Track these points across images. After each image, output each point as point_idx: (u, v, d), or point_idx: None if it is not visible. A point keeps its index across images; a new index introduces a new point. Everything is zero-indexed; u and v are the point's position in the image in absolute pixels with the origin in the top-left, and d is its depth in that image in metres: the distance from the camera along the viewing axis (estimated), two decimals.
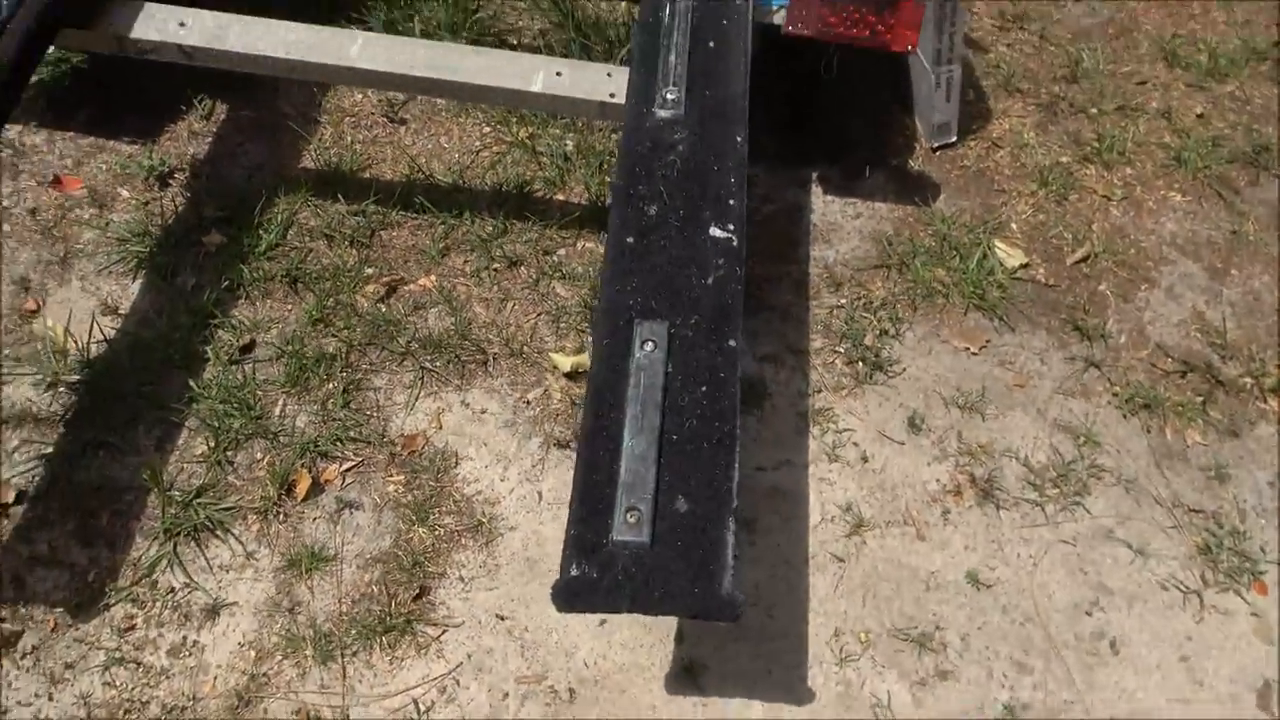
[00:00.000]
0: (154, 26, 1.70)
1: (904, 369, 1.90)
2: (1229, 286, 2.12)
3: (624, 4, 2.38)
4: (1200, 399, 1.92)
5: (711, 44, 1.57)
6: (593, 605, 1.10)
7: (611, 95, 1.69)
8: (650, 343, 1.25)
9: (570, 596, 1.10)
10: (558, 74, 1.71)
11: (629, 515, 1.13)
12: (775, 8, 1.86)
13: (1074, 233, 2.16)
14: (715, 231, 1.36)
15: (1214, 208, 2.25)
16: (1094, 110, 2.41)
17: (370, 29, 2.33)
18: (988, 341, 1.96)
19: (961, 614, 1.62)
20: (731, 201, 1.39)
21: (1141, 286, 2.10)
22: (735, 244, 1.35)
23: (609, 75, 1.72)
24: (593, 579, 1.10)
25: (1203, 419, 1.89)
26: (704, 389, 1.23)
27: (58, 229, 1.95)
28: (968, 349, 1.95)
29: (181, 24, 1.70)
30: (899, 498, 1.74)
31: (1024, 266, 2.09)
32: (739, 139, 1.46)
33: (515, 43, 2.41)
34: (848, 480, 1.74)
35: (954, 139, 2.29)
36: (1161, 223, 2.21)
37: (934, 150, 2.29)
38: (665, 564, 1.11)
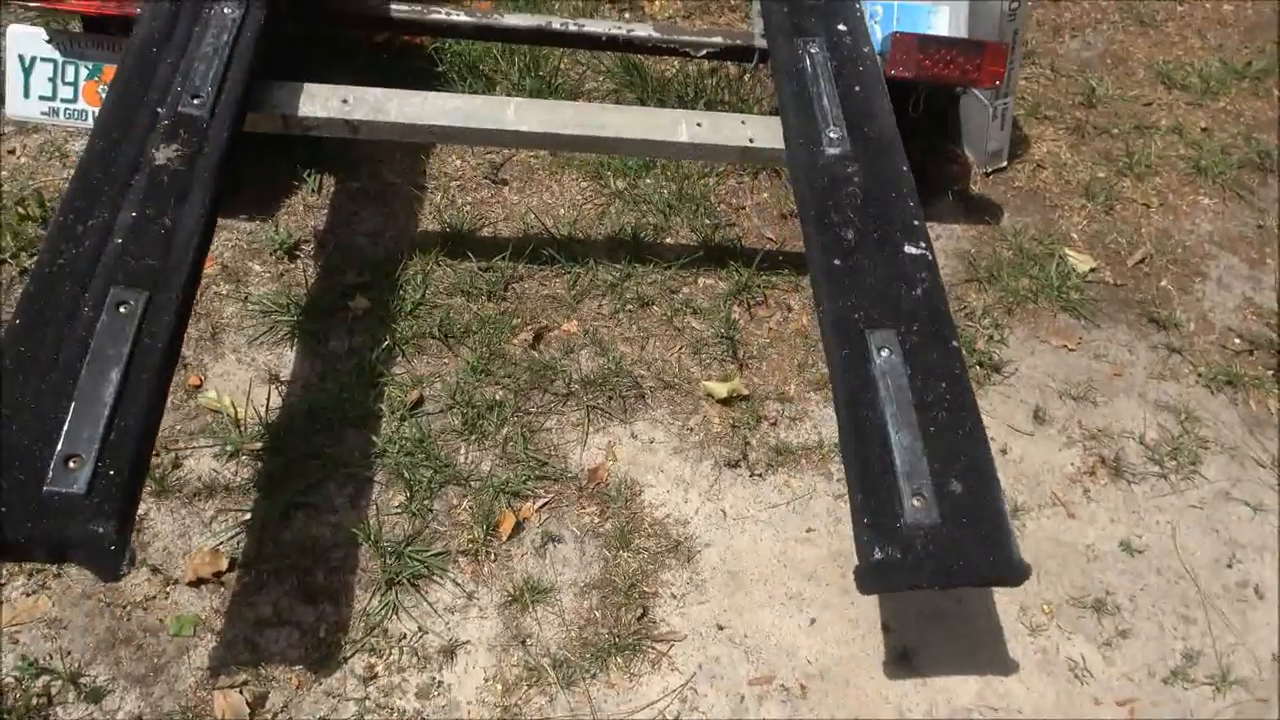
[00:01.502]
0: (319, 105, 1.79)
1: (1016, 369, 2.08)
2: (1267, 274, 2.37)
3: (691, 64, 2.55)
4: (1270, 371, 2.15)
5: (857, 88, 1.74)
6: (896, 584, 1.22)
7: (751, 140, 1.85)
8: (885, 349, 1.39)
9: (877, 577, 1.21)
10: (699, 125, 1.86)
11: (915, 500, 1.25)
12: (878, 50, 2.06)
13: (1127, 238, 2.40)
14: (910, 249, 1.52)
15: (1238, 207, 2.52)
16: (1115, 130, 2.68)
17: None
18: (1080, 338, 2.16)
19: (1124, 579, 1.78)
20: (915, 222, 1.55)
21: (1195, 280, 2.34)
22: (930, 258, 1.51)
23: (743, 123, 1.87)
24: (896, 559, 1.21)
25: (1278, 388, 2.11)
26: (943, 385, 1.37)
27: (200, 305, 1.99)
28: (1065, 346, 2.14)
29: (345, 101, 1.80)
30: (1043, 483, 1.90)
31: (1093, 270, 2.31)
32: (904, 168, 1.63)
33: (589, 102, 2.55)
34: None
35: (1005, 164, 2.52)
36: (1198, 223, 2.47)
37: (987, 175, 2.51)
38: (958, 539, 1.23)
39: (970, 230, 2.37)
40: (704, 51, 2.32)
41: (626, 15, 2.88)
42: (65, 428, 1.20)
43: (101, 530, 1.14)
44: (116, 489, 1.18)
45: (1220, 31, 3.11)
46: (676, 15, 2.91)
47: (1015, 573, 1.22)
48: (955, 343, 1.42)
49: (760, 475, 1.85)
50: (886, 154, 1.65)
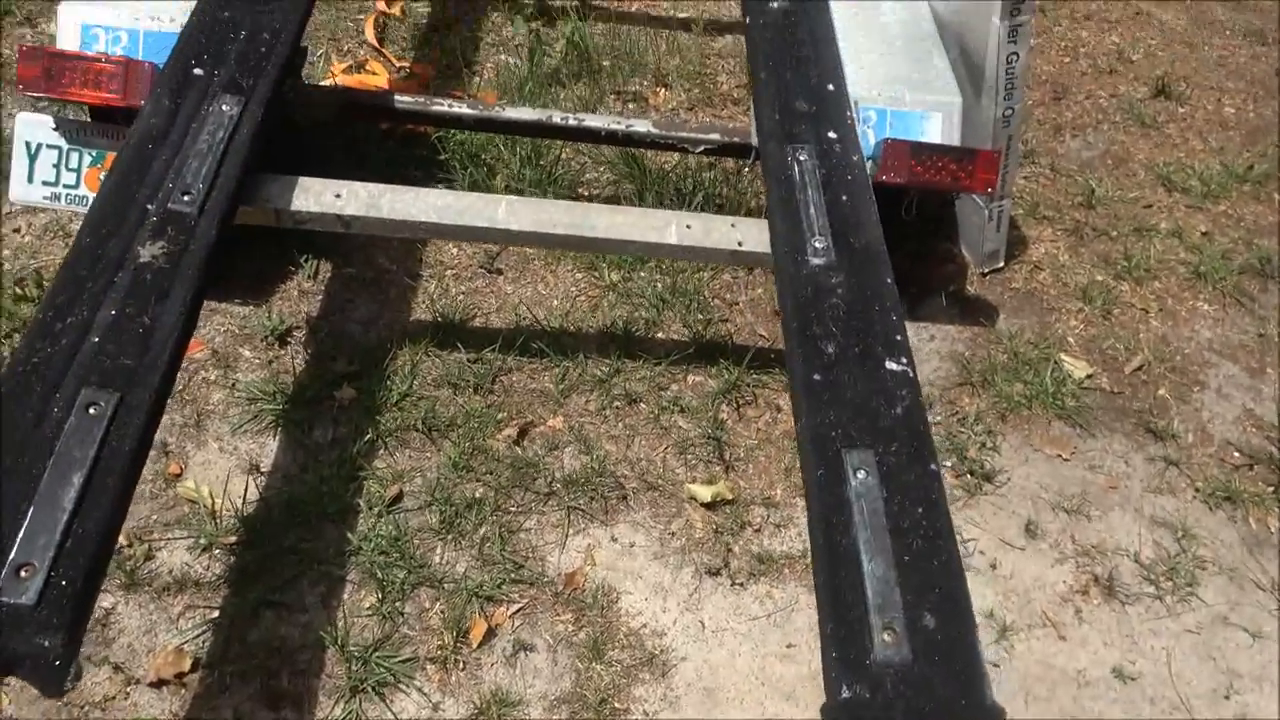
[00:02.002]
0: (311, 199, 1.81)
1: (1008, 478, 2.05)
2: (1268, 384, 2.34)
3: (690, 157, 2.57)
4: (1271, 488, 2.10)
5: (844, 197, 1.75)
6: None
7: (740, 244, 1.85)
8: (862, 470, 1.36)
9: (845, 717, 1.17)
10: (688, 226, 1.86)
11: (886, 634, 1.21)
12: (865, 160, 2.07)
13: (1125, 344, 2.37)
14: (891, 365, 1.50)
15: (1238, 314, 2.50)
16: (1114, 233, 2.68)
17: (454, 185, 2.48)
18: (1075, 448, 2.12)
19: (1116, 709, 1.71)
20: (898, 337, 1.54)
21: (1194, 389, 2.30)
22: (911, 375, 1.49)
23: (733, 226, 1.88)
24: (865, 699, 1.17)
25: (1278, 506, 2.06)
26: (920, 510, 1.33)
27: (187, 391, 2.00)
28: (1059, 455, 2.11)
29: (337, 195, 1.82)
30: (1033, 601, 1.85)
31: (1090, 377, 2.28)
32: (889, 280, 1.62)
33: (588, 194, 2.58)
34: (984, 588, 1.85)
35: (1002, 264, 2.51)
36: (1197, 330, 2.44)
37: (984, 275, 2.50)
38: (930, 679, 1.19)
39: (965, 331, 2.35)
40: (702, 148, 2.34)
41: (631, 106, 2.93)
42: (20, 534, 1.18)
43: (47, 644, 1.11)
44: (68, 600, 1.15)
45: (1221, 134, 3.13)
46: (680, 106, 2.95)
47: (988, 718, 1.17)
48: (934, 465, 1.39)
49: (742, 584, 1.81)
50: (872, 266, 1.64)
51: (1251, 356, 2.39)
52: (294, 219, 1.81)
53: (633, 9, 3.36)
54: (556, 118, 2.33)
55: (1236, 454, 2.16)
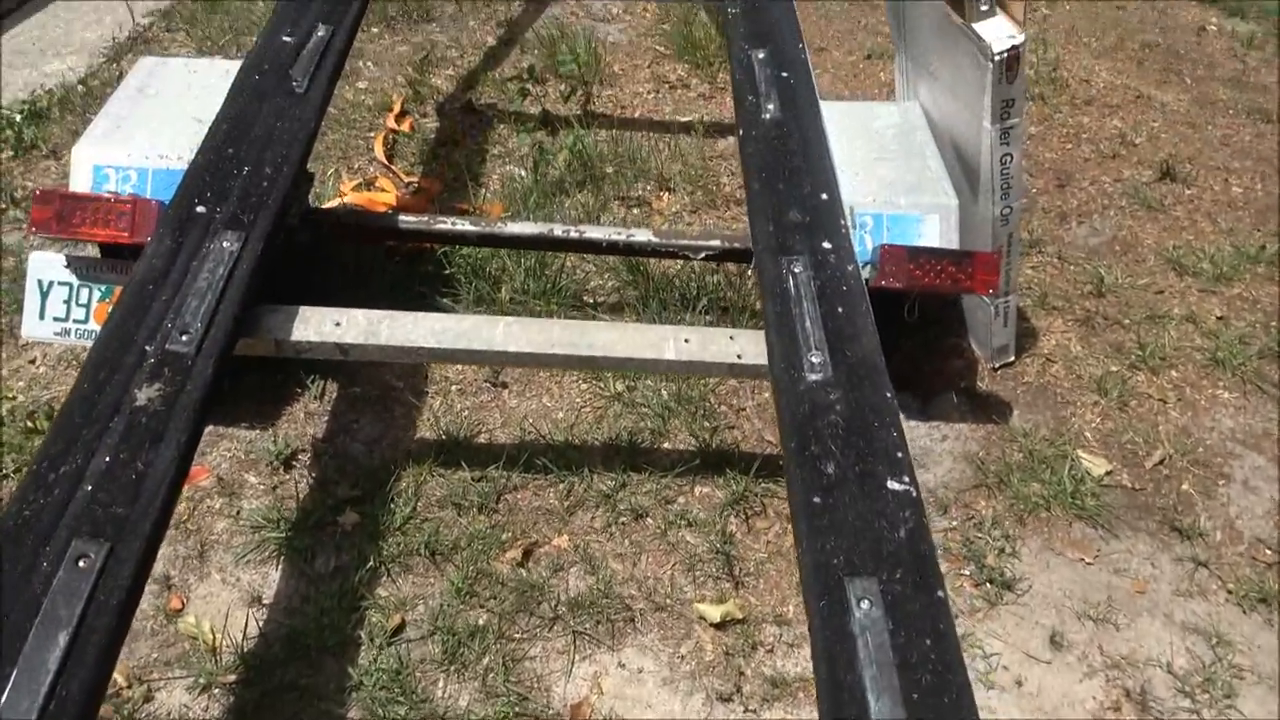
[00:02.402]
0: (311, 329, 1.82)
1: (1030, 585, 1.98)
2: None
3: (691, 264, 2.59)
4: None
5: (840, 308, 1.74)
6: None
7: (739, 356, 1.83)
8: (866, 600, 1.32)
9: None
10: (686, 341, 1.85)
11: None
12: (862, 265, 2.07)
13: (1144, 436, 2.31)
14: (893, 485, 1.46)
15: (1260, 402, 2.43)
16: (1126, 321, 2.64)
17: (460, 300, 2.50)
18: (1099, 550, 2.05)
19: None
20: (899, 454, 1.50)
21: (1219, 483, 2.23)
22: (914, 495, 1.45)
23: (731, 338, 1.87)
24: None
25: None
26: (928, 642, 1.28)
27: (191, 522, 1.99)
28: (1082, 559, 2.04)
29: (337, 324, 1.83)
30: None
31: (1109, 474, 2.22)
32: (888, 394, 1.60)
33: (592, 302, 2.59)
34: (1010, 707, 1.77)
35: (1012, 358, 2.48)
36: (1219, 420, 2.38)
37: (995, 370, 2.47)
38: None
39: (978, 430, 2.31)
40: (703, 254, 2.35)
41: (635, 211, 2.97)
42: (4, 698, 1.16)
43: None
44: None
45: (1230, 214, 3.10)
46: (684, 209, 2.99)
47: None
48: (941, 592, 1.34)
49: (754, 711, 1.74)
50: (870, 379, 1.62)
51: (1277, 446, 2.32)
52: (295, 349, 1.82)
53: (635, 115, 3.44)
54: (558, 231, 2.36)
55: (1268, 551, 2.08)
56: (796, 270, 1.81)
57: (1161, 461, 2.26)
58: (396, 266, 2.59)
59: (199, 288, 1.67)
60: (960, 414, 2.35)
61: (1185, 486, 2.21)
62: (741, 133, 2.16)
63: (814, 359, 1.65)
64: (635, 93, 3.56)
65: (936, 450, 2.25)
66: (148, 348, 1.56)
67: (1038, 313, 2.66)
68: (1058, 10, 4.31)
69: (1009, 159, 2.09)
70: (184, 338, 1.59)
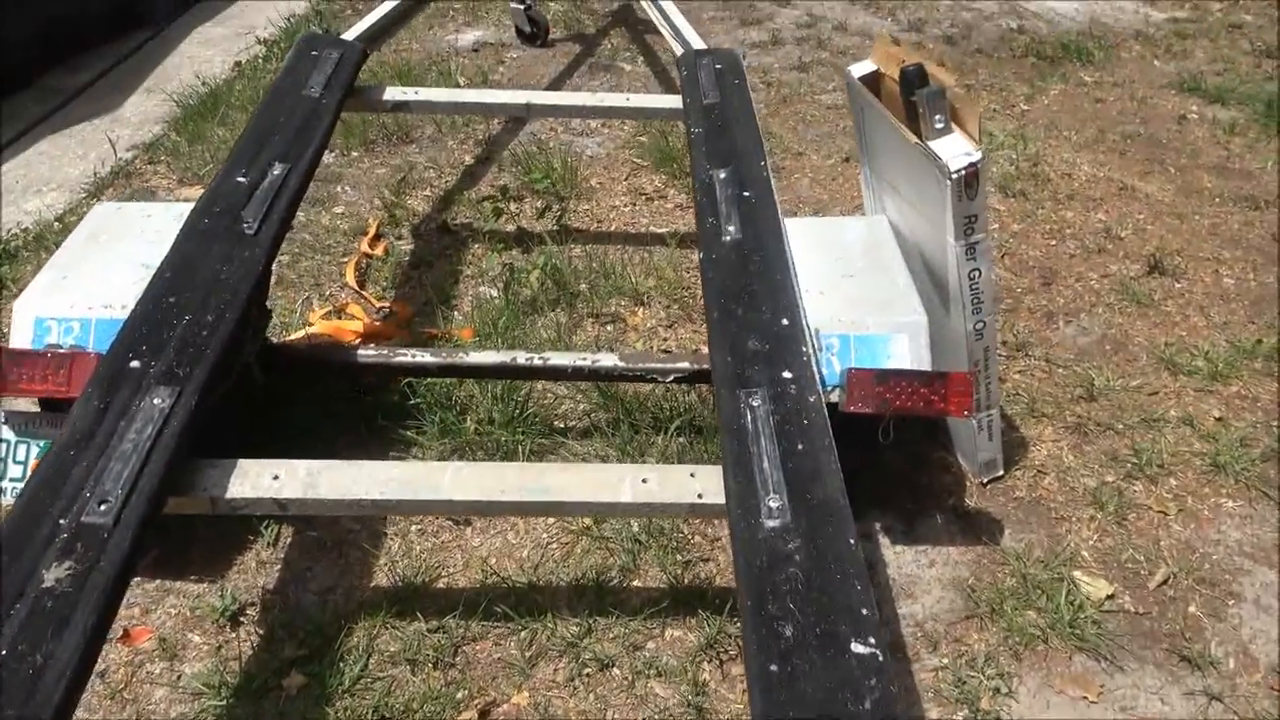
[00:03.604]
0: (248, 484, 1.73)
1: None
2: None
3: (660, 387, 2.51)
4: None
5: (800, 445, 1.64)
6: None
7: (700, 496, 1.73)
8: None
9: None
10: (644, 480, 1.75)
11: None
12: (830, 389, 1.98)
13: (1145, 554, 2.18)
14: (858, 648, 1.34)
15: (1266, 509, 2.30)
16: (1120, 426, 2.53)
17: (424, 432, 2.42)
18: (1102, 686, 1.90)
19: None
20: (865, 611, 1.39)
21: (1229, 602, 2.08)
22: (880, 659, 1.33)
23: (692, 475, 1.77)
24: None
25: None
26: None
27: (128, 690, 1.87)
28: (1085, 698, 1.88)
29: (275, 477, 1.74)
30: None
31: (1110, 597, 2.08)
32: (852, 541, 1.49)
33: (563, 427, 2.51)
34: None
35: (1001, 472, 2.36)
36: (1224, 532, 2.25)
37: (984, 485, 2.35)
38: None
39: (968, 553, 2.18)
40: (671, 377, 2.28)
41: (609, 328, 2.90)
42: None
43: None
44: None
45: (1224, 307, 3.02)
46: (660, 324, 2.92)
47: None
48: None
49: None
50: (832, 525, 1.51)
51: None
52: (230, 506, 1.73)
53: (611, 229, 3.42)
54: (521, 359, 2.30)
55: None
56: (755, 404, 1.72)
57: (1166, 581, 2.11)
58: (359, 398, 2.52)
59: (124, 450, 1.59)
60: (949, 535, 2.22)
61: (1193, 608, 2.06)
62: (701, 256, 2.11)
63: (772, 503, 1.55)
64: (612, 206, 3.55)
65: (924, 578, 2.12)
66: (62, 521, 1.48)
67: (1027, 421, 2.55)
68: (1037, 105, 4.32)
69: (977, 274, 2.02)
70: (102, 507, 1.50)
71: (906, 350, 2.01)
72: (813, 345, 1.86)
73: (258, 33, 4.94)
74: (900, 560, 2.16)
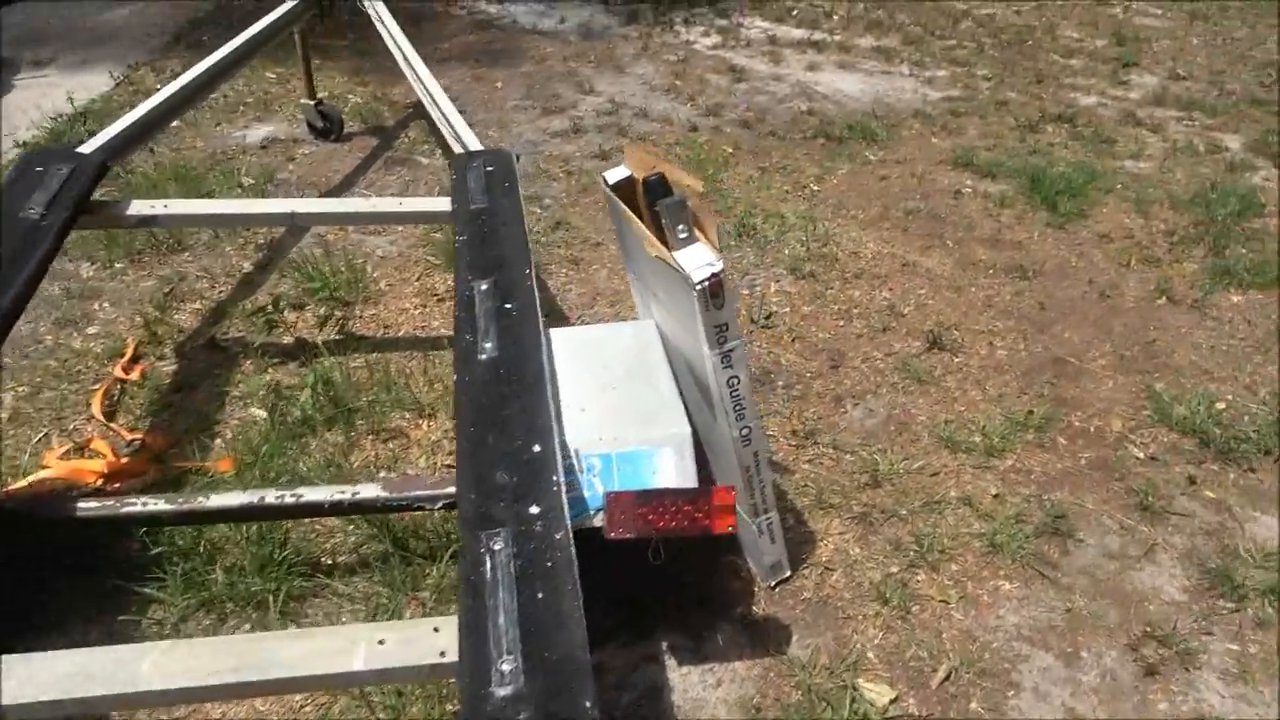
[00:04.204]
0: None
1: None
2: (1084, 671, 2.14)
3: (439, 513, 2.35)
4: None
5: (541, 594, 1.52)
6: None
7: (442, 654, 1.57)
8: None
9: None
10: (380, 642, 1.59)
11: None
12: (593, 512, 1.89)
13: (928, 649, 2.16)
14: None
15: (1041, 589, 2.34)
16: (904, 511, 2.54)
17: (165, 589, 2.17)
18: None
19: None
20: None
21: (1009, 693, 2.08)
22: None
23: (436, 630, 1.61)
24: None
25: None
26: None
27: None
28: None
29: None
30: None
31: (894, 701, 2.04)
32: (588, 704, 1.37)
33: (330, 564, 2.31)
34: None
35: (788, 573, 2.32)
36: (1002, 616, 2.26)
37: (773, 588, 2.30)
38: None
39: (754, 667, 2.10)
40: (440, 505, 2.13)
41: (391, 444, 2.73)
42: None
43: None
44: None
45: (997, 379, 3.13)
46: (445, 437, 2.77)
47: None
48: None
49: None
50: (568, 688, 1.39)
51: (1063, 639, 2.21)
52: None
53: (399, 334, 3.26)
54: (270, 497, 2.10)
55: None
56: (496, 547, 1.60)
57: (948, 677, 2.10)
58: (89, 550, 2.25)
59: None
60: (737, 648, 2.14)
61: (974, 705, 2.05)
62: (456, 378, 1.99)
63: (505, 667, 1.41)
64: (401, 309, 3.39)
65: (710, 701, 2.03)
66: None
67: (815, 513, 2.53)
68: (826, 185, 4.47)
69: (736, 381, 1.98)
70: None
71: (672, 465, 1.94)
72: (563, 475, 1.75)
73: (16, 135, 4.56)
74: (687, 683, 2.06)
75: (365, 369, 2.99)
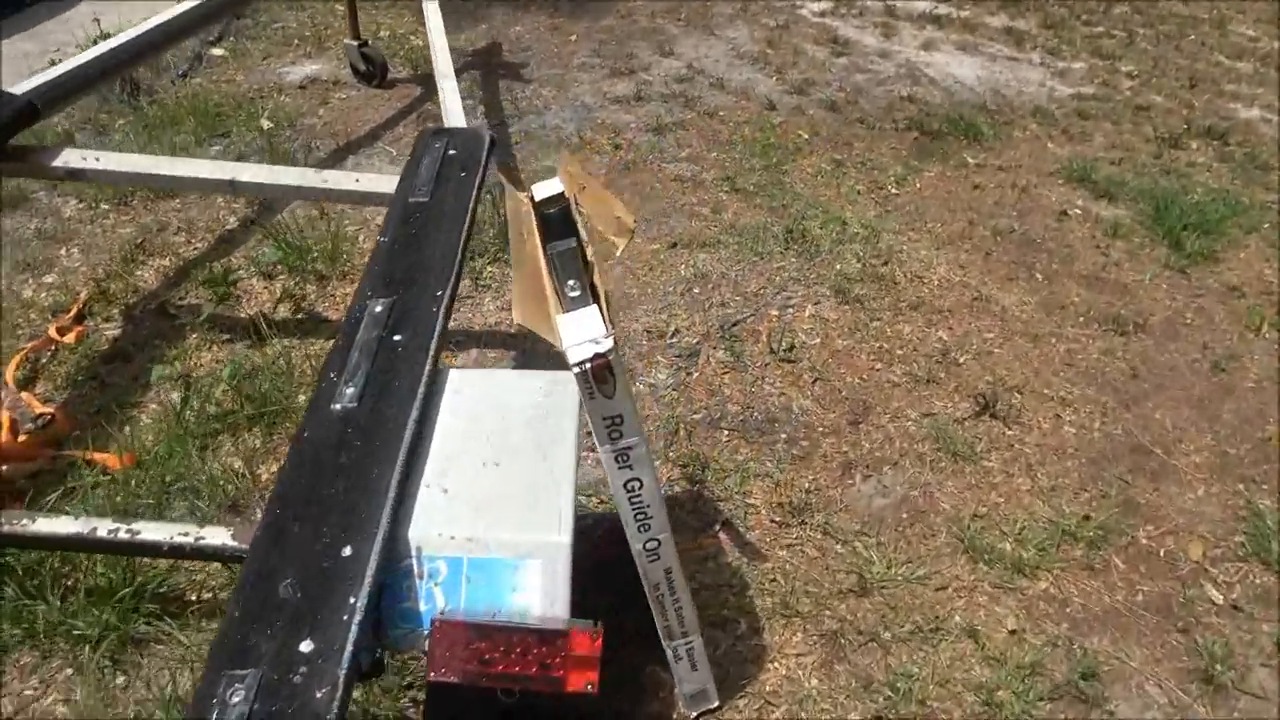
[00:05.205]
0: None
1: None
2: None
3: None
4: None
5: None
6: None
7: None
8: None
9: None
10: None
11: None
12: (424, 632, 1.47)
13: None
14: None
15: None
16: (887, 635, 2.03)
17: None
18: None
19: None
20: None
21: None
22: None
23: None
24: None
25: None
26: None
27: None
28: None
29: None
30: None
31: None
32: None
33: (195, 599, 1.98)
34: None
35: (716, 703, 1.86)
36: None
37: None
38: None
39: None
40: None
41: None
42: None
43: None
44: None
45: (1055, 466, 2.54)
46: None
47: None
48: None
49: None
50: None
51: None
52: None
53: None
54: (102, 530, 1.77)
55: None
56: (232, 700, 1.20)
57: None
58: None
59: None
60: None
61: None
62: (295, 436, 1.59)
63: None
64: None
65: None
66: None
67: (774, 622, 2.05)
68: (907, 190, 3.86)
69: (636, 485, 1.51)
70: None
71: (537, 585, 1.49)
72: (365, 595, 1.34)
73: (62, 52, 4.38)
74: None
75: (313, 359, 2.65)
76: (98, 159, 2.44)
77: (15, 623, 1.88)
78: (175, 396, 2.50)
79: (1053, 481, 2.48)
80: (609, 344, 1.35)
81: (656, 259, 3.30)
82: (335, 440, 1.55)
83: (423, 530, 1.50)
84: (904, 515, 2.35)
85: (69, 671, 1.84)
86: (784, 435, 2.56)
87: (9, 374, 2.52)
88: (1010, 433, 2.64)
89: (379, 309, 1.81)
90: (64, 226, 3.20)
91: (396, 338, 1.75)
